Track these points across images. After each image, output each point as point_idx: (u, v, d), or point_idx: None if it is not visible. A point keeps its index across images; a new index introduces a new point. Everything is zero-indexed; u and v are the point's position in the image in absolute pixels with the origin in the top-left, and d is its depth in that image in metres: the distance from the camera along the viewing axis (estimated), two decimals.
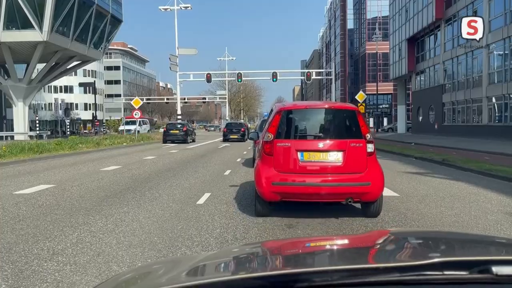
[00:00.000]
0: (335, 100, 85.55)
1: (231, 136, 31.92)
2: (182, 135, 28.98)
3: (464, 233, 2.72)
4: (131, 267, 3.77)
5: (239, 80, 41.33)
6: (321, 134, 5.99)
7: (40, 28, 33.99)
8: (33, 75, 38.87)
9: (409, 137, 35.58)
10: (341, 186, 5.65)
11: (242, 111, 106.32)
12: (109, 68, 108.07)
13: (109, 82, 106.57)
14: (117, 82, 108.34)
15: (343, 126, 6.14)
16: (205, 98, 69.16)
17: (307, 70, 42.80)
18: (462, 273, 0.91)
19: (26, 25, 34.24)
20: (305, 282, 0.90)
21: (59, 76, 43.91)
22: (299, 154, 5.73)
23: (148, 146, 26.29)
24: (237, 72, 41.88)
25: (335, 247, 1.42)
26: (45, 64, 39.59)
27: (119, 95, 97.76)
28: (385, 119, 77.53)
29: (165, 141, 29.26)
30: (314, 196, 5.79)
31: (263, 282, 0.94)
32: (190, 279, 1.10)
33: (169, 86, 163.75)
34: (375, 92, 72.71)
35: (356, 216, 6.09)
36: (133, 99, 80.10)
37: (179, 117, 42.07)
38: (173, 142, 28.98)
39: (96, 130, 55.77)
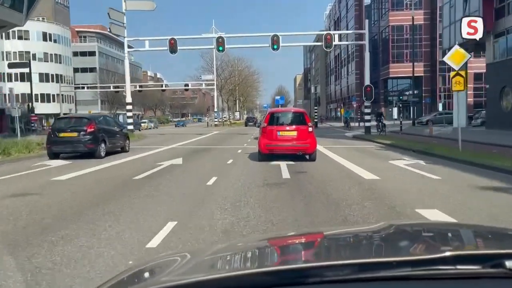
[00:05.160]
0: (349, 85, 70.26)
1: (249, 123, 54.49)
2: (84, 143, 13.99)
3: (476, 225, 2.38)
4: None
5: (220, 48, 26.48)
6: (288, 123, 12.80)
7: None
8: None
9: (491, 135, 21.07)
10: (296, 146, 12.40)
11: (237, 101, 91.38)
12: (82, 53, 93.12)
13: (83, 70, 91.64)
14: (92, 70, 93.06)
15: (298, 119, 12.81)
16: (187, 85, 54.21)
17: (325, 32, 27.88)
18: (475, 268, 0.90)
19: None
20: (316, 277, 0.91)
21: None
22: (278, 132, 12.46)
23: None
24: (218, 36, 26.94)
25: (345, 241, 1.43)
26: None
27: (95, 86, 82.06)
28: (413, 109, 62.85)
29: (52, 155, 14.35)
30: (284, 151, 12.51)
31: (273, 278, 0.94)
32: (201, 275, 1.09)
33: (158, 75, 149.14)
34: (404, 75, 57.93)
35: (303, 160, 12.48)
36: (109, 88, 65.02)
37: (129, 107, 27.27)
38: (80, 154, 14.31)
39: (33, 128, 41.27)
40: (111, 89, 60.74)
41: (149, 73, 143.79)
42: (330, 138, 25.69)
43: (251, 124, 53.30)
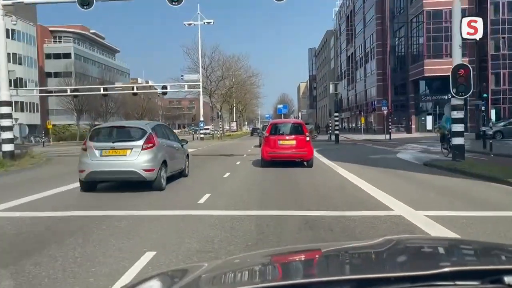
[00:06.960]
0: (368, 89, 56.82)
1: (254, 133, 58.49)
2: None
3: (475, 241, 2.35)
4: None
5: None
6: (287, 133, 14.32)
7: None
8: None
9: None
10: (295, 154, 13.89)
11: (234, 109, 78.60)
12: (56, 56, 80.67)
13: (56, 75, 78.80)
14: (67, 74, 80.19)
15: (296, 129, 14.35)
16: (165, 87, 41.56)
17: None
18: (474, 283, 0.89)
19: None
20: None
21: None
22: (278, 141, 13.89)
23: None
24: None
25: (345, 256, 1.41)
26: None
27: (65, 90, 68.50)
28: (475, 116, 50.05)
29: None
30: (284, 158, 13.89)
31: None
32: None
33: (150, 83, 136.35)
34: (442, 74, 45.03)
35: (301, 167, 13.77)
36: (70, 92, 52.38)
37: (5, 109, 14.15)
38: None
39: None
40: (68, 93, 48.07)
41: (139, 80, 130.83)
42: (388, 168, 12.85)
43: (256, 134, 56.53)
